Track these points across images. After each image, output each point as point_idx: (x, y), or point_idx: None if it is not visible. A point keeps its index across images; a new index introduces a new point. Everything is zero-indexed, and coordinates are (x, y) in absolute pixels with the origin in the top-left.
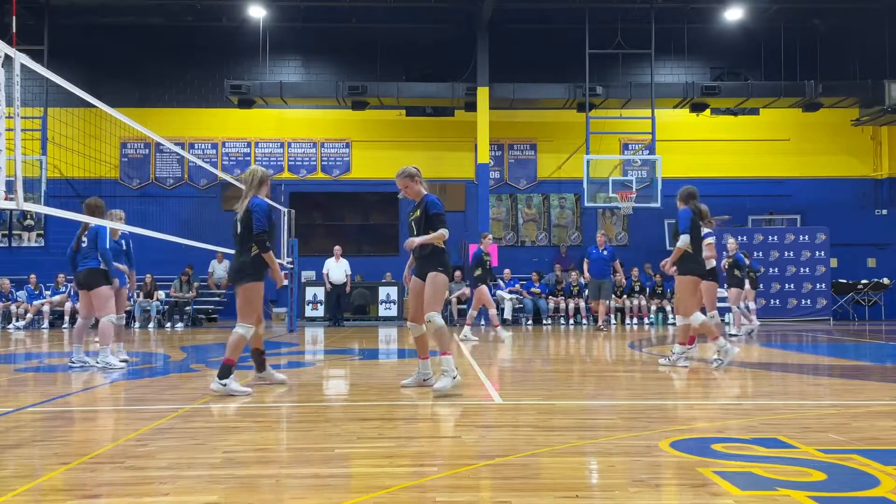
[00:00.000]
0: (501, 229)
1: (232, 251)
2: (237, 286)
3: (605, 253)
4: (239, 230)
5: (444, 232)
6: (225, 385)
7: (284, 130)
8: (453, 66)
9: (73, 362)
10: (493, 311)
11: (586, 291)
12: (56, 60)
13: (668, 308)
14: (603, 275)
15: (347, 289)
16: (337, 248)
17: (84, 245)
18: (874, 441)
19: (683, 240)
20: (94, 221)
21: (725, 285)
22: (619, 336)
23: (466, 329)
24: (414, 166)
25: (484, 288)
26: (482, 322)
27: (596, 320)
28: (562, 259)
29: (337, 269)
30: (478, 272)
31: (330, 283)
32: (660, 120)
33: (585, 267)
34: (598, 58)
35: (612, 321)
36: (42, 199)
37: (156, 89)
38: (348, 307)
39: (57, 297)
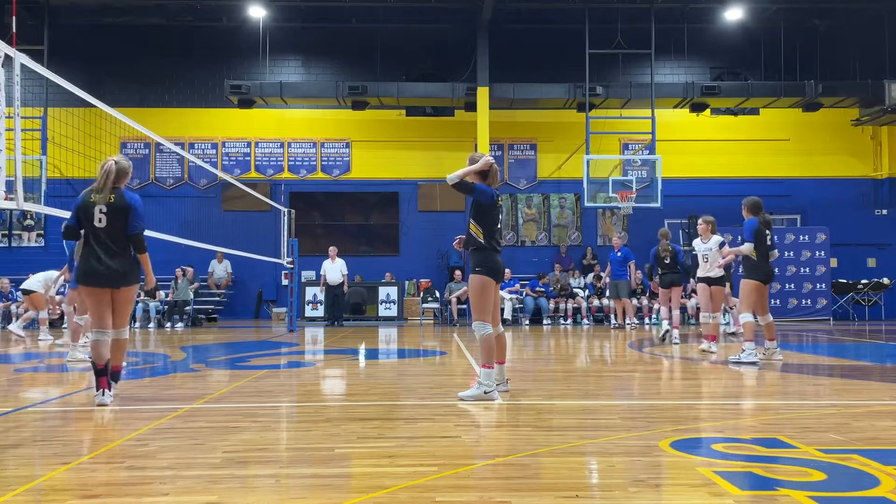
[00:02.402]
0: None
1: (234, 252)
2: (125, 286)
3: (619, 255)
4: (106, 224)
5: (461, 175)
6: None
7: (284, 130)
8: (453, 66)
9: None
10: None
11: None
12: (56, 60)
13: None
14: (617, 276)
15: (344, 289)
16: (332, 248)
17: None
18: (874, 441)
19: (747, 247)
20: None
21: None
22: (619, 336)
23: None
24: (485, 155)
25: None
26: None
27: (613, 319)
28: (562, 259)
29: (332, 269)
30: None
31: (327, 283)
32: (660, 120)
33: (608, 269)
34: (598, 58)
35: (629, 321)
36: (42, 199)
37: (156, 89)
38: (346, 307)
39: (57, 297)
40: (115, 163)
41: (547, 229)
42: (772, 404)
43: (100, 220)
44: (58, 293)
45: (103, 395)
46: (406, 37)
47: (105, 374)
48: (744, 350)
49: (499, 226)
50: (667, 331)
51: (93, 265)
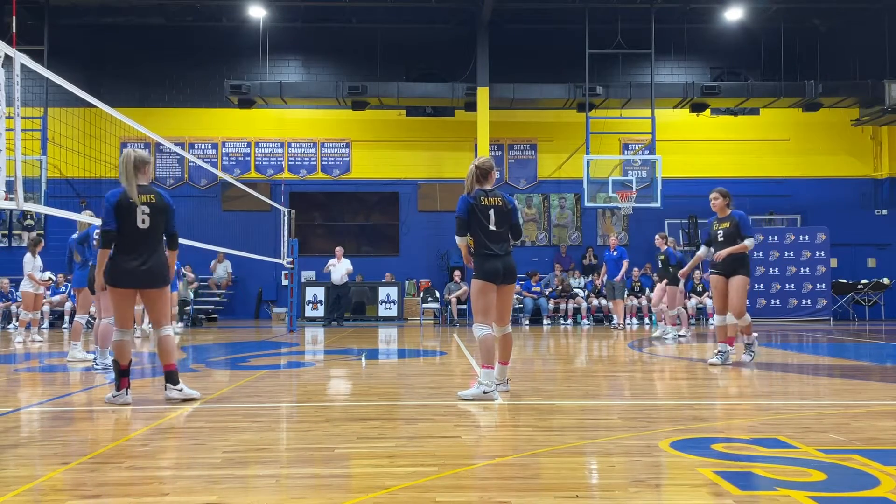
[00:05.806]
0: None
1: (234, 252)
2: (163, 285)
3: (615, 254)
4: (149, 225)
5: (456, 238)
6: (182, 390)
7: (284, 130)
8: (453, 66)
9: (97, 364)
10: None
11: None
12: (56, 60)
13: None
14: (613, 276)
15: (348, 288)
16: (338, 248)
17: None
18: (874, 441)
19: (751, 241)
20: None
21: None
22: (619, 336)
23: (669, 328)
24: (476, 158)
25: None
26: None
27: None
28: (562, 259)
29: (338, 269)
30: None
31: (332, 283)
32: (660, 120)
33: (604, 269)
34: (598, 58)
35: (615, 321)
36: (42, 199)
37: (156, 89)
38: (348, 307)
39: (57, 297)
40: (133, 151)
41: (547, 229)
42: (772, 404)
43: (143, 221)
44: (56, 293)
45: (126, 394)
46: (406, 37)
47: (127, 375)
48: (719, 351)
49: (492, 227)
50: (685, 333)
51: (133, 266)
